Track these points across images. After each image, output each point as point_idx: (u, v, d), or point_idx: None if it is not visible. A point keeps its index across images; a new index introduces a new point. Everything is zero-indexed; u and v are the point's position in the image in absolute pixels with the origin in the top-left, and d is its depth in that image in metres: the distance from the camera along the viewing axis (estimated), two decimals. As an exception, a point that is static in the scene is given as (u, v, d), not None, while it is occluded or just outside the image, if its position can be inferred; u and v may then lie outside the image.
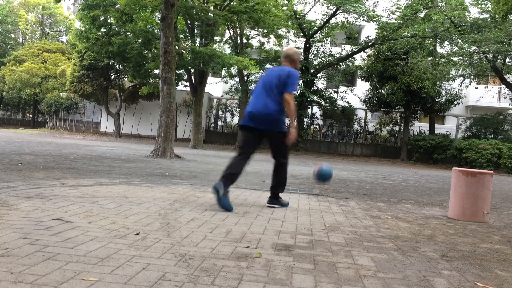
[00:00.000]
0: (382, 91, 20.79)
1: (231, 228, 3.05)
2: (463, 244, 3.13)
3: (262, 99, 3.97)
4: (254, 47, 21.76)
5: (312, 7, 19.70)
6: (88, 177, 5.31)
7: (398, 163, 18.44)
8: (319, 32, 20.24)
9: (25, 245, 2.21)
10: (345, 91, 23.11)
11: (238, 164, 3.93)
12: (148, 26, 18.26)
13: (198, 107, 18.21)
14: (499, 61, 17.88)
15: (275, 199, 4.17)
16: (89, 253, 2.17)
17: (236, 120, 23.67)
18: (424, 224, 3.87)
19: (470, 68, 18.70)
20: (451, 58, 18.39)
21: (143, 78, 20.00)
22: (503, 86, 21.39)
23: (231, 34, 20.39)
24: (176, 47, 13.86)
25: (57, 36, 34.74)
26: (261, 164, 9.98)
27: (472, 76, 19.58)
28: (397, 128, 23.01)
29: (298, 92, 19.62)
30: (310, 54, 20.91)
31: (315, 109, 23.77)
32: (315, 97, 21.08)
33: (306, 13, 20.10)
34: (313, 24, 20.08)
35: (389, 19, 18.31)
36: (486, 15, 17.55)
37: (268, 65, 20.74)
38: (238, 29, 20.08)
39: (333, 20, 19.75)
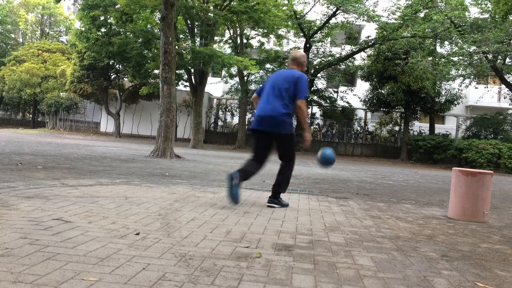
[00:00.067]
0: (382, 91, 20.79)
1: (231, 228, 3.05)
2: (463, 244, 3.13)
3: (270, 103, 4.04)
4: (254, 47, 21.77)
5: (312, 7, 19.70)
6: (88, 177, 5.31)
7: (398, 163, 18.44)
8: (319, 32, 20.24)
9: (25, 245, 2.21)
10: (345, 91, 23.12)
11: (253, 166, 4.09)
12: (148, 26, 18.26)
13: (198, 107, 18.21)
14: (499, 61, 17.88)
15: (275, 199, 4.17)
16: (89, 253, 2.17)
17: (236, 120, 23.68)
18: (424, 224, 3.87)
19: (470, 68, 18.70)
20: (451, 58, 18.39)
21: (143, 78, 20.01)
22: (503, 86, 21.40)
23: (231, 34, 20.40)
24: (176, 47, 13.86)
25: (57, 36, 34.75)
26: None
27: (472, 76, 19.59)
28: (397, 128, 23.01)
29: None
30: (310, 54, 20.90)
31: (315, 109, 23.77)
32: (315, 97, 21.09)
33: (306, 13, 20.11)
34: (313, 24, 20.08)
35: (389, 19, 18.32)
36: (486, 15, 17.55)
37: (268, 65, 20.76)
38: (238, 29, 20.08)
39: (333, 20, 19.75)
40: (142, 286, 1.78)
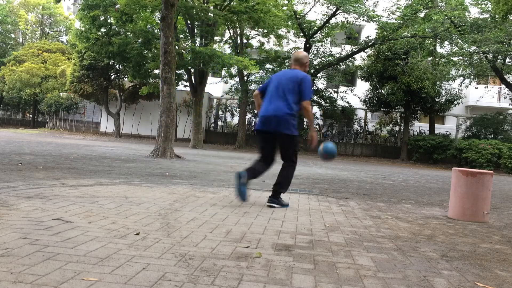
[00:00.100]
0: (382, 91, 20.79)
1: (231, 228, 3.05)
2: (463, 244, 3.13)
3: (274, 103, 4.08)
4: (254, 47, 21.77)
5: (312, 7, 19.70)
6: (88, 177, 5.31)
7: (398, 163, 18.44)
8: (319, 32, 20.23)
9: (25, 245, 2.21)
10: (345, 91, 23.12)
11: (260, 166, 4.17)
12: (148, 26, 18.26)
13: (198, 107, 18.21)
14: (499, 61, 17.89)
15: (276, 199, 4.17)
16: (89, 253, 2.17)
17: (236, 120, 23.68)
18: (424, 224, 3.87)
19: (470, 68, 18.70)
20: (451, 58, 18.39)
21: (143, 78, 20.01)
22: (503, 86, 21.40)
23: (231, 34, 20.40)
24: (176, 47, 13.86)
25: (57, 36, 34.75)
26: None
27: (472, 76, 19.59)
28: (397, 128, 23.01)
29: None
30: (310, 54, 20.90)
31: (315, 109, 23.77)
32: (315, 97, 21.08)
33: (306, 13, 20.10)
34: (313, 24, 20.08)
35: (389, 19, 18.31)
36: (486, 15, 17.55)
37: (268, 65, 20.76)
38: (238, 29, 20.08)
39: (333, 20, 19.74)
40: (142, 286, 1.78)
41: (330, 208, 4.37)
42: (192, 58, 16.62)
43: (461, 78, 19.81)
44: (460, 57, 18.26)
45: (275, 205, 4.13)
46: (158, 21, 16.00)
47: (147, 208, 3.52)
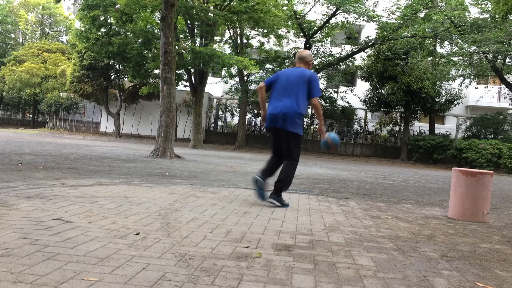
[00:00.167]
0: (382, 91, 20.80)
1: (231, 228, 3.05)
2: (463, 244, 3.13)
3: (283, 101, 4.12)
4: (254, 47, 21.77)
5: (312, 7, 19.71)
6: (88, 177, 5.31)
7: (398, 163, 18.44)
8: (319, 32, 20.24)
9: (25, 245, 2.21)
10: (345, 91, 23.12)
11: (273, 163, 4.29)
12: (148, 26, 18.26)
13: (198, 107, 18.21)
14: (499, 61, 17.89)
15: (277, 195, 4.16)
16: (89, 253, 2.17)
17: (236, 120, 23.68)
18: (424, 224, 3.87)
19: (470, 68, 18.71)
20: (451, 58, 18.40)
21: (143, 78, 20.01)
22: (503, 86, 21.40)
23: (231, 34, 20.40)
24: (176, 47, 13.86)
25: (57, 36, 34.76)
26: (262, 164, 9.98)
27: (472, 76, 19.59)
28: (397, 128, 23.02)
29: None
30: (310, 54, 20.89)
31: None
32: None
33: (306, 13, 20.11)
34: (313, 24, 20.09)
35: (389, 19, 18.32)
36: (486, 15, 17.56)
37: (268, 65, 20.76)
38: (238, 29, 20.08)
39: (333, 20, 19.75)
40: (142, 286, 1.78)
41: (330, 208, 4.37)
42: (192, 58, 16.62)
43: (461, 78, 19.81)
44: (460, 57, 18.27)
45: (276, 202, 4.12)
46: (158, 21, 16.01)
47: (147, 208, 3.52)
